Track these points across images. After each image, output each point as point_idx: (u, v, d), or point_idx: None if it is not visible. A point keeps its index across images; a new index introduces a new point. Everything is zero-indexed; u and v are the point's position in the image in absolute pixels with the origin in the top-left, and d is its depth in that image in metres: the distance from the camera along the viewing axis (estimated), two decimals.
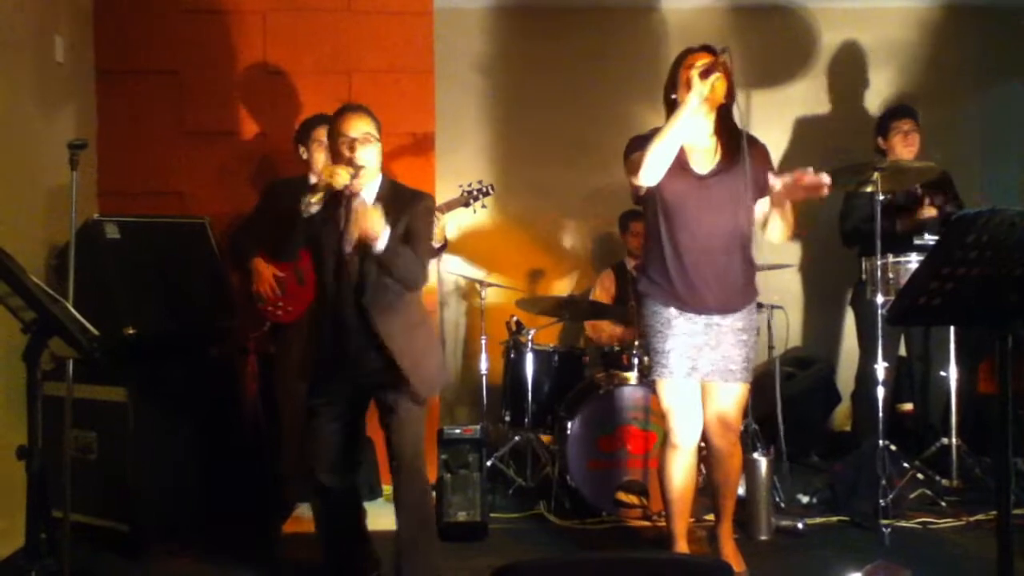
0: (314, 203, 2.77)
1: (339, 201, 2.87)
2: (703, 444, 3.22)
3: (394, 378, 2.84)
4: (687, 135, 2.98)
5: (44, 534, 2.78)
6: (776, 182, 2.93)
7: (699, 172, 3.01)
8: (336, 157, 2.87)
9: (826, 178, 2.86)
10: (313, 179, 2.92)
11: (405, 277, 2.84)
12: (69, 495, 3.10)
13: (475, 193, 4.14)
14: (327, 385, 2.92)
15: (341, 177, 2.76)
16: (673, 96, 3.03)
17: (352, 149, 2.82)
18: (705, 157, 3.04)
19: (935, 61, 5.49)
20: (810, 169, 2.89)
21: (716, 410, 3.13)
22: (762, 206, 3.12)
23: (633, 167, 3.02)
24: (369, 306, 2.82)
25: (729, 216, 3.00)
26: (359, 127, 2.84)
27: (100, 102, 4.35)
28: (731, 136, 3.03)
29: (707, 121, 3.02)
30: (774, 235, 3.09)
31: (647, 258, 3.13)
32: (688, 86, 2.92)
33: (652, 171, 2.94)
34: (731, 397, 3.12)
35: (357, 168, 2.80)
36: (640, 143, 3.04)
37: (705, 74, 2.88)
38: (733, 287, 3.05)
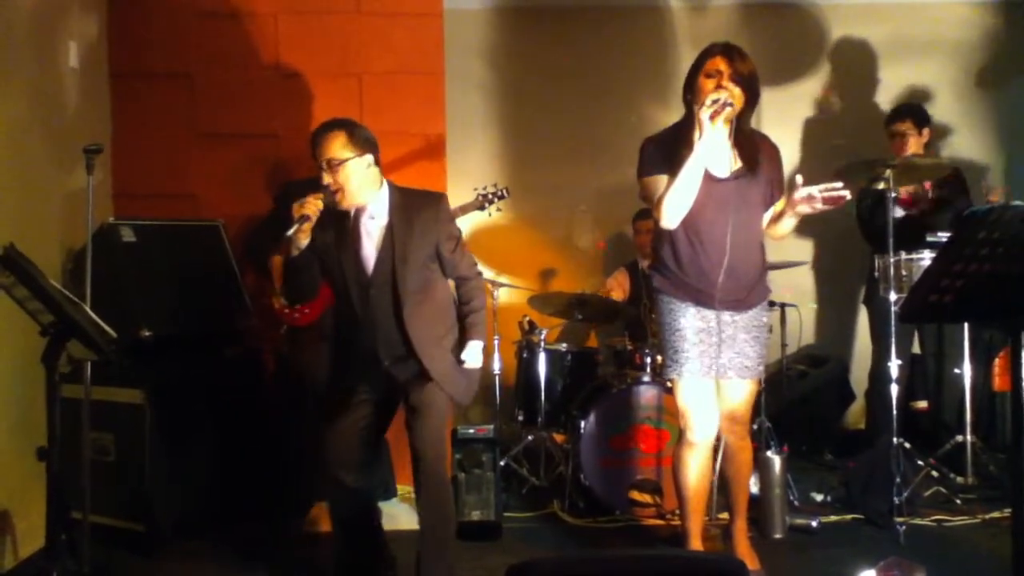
0: (302, 238, 2.81)
1: (349, 223, 2.90)
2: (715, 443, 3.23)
3: (422, 379, 2.89)
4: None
5: (64, 535, 2.82)
6: (804, 191, 2.96)
7: (717, 175, 3.03)
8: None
9: (846, 193, 2.94)
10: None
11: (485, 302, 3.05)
12: (88, 496, 3.13)
13: (490, 197, 4.15)
14: (359, 386, 2.95)
15: (309, 207, 2.78)
16: (689, 97, 3.05)
17: (322, 173, 2.84)
18: (722, 161, 3.04)
19: (948, 56, 5.46)
20: (839, 184, 2.95)
21: (726, 405, 3.16)
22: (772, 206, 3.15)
23: (648, 196, 3.07)
24: (407, 321, 2.85)
25: (745, 218, 3.03)
26: (325, 151, 2.83)
27: (114, 106, 4.39)
28: (746, 142, 3.04)
29: (724, 128, 3.00)
30: (780, 232, 3.14)
31: (662, 256, 3.13)
32: (698, 121, 2.91)
33: (674, 216, 2.99)
34: (742, 392, 3.15)
35: (329, 193, 2.81)
36: (653, 153, 3.07)
37: (714, 116, 2.89)
38: (748, 285, 3.07)
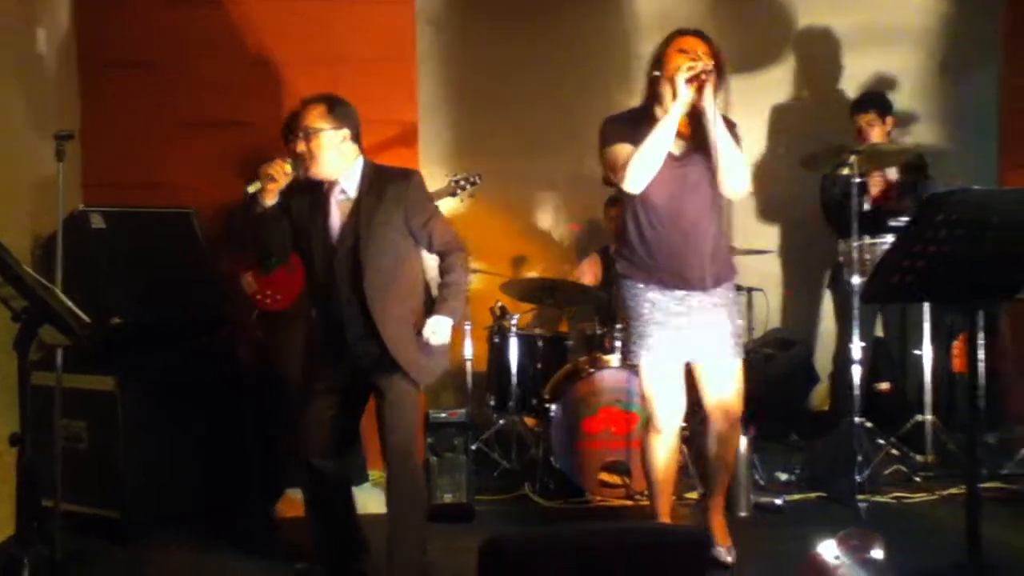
0: (267, 198, 2.84)
1: (320, 195, 2.93)
2: (684, 424, 3.26)
3: (390, 364, 2.88)
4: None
5: (36, 522, 2.82)
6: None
7: (674, 153, 3.01)
8: None
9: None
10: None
11: (466, 278, 3.01)
12: (60, 484, 3.13)
13: (463, 183, 4.18)
14: (326, 371, 2.96)
15: (275, 169, 2.82)
16: (656, 73, 3.01)
17: (298, 141, 2.88)
18: (677, 138, 3.01)
19: (912, 44, 5.55)
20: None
21: (717, 398, 3.11)
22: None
23: (611, 165, 3.03)
24: (368, 294, 2.86)
25: (703, 194, 3.02)
26: (303, 119, 2.89)
27: (84, 93, 4.35)
28: (698, 116, 2.99)
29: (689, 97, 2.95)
30: (734, 184, 2.99)
31: (625, 239, 3.13)
32: (673, 84, 2.89)
33: (639, 179, 2.95)
34: (728, 380, 3.09)
35: (299, 161, 2.85)
36: (615, 127, 3.06)
37: (692, 79, 2.87)
38: (711, 262, 3.04)
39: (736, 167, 2.98)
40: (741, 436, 3.68)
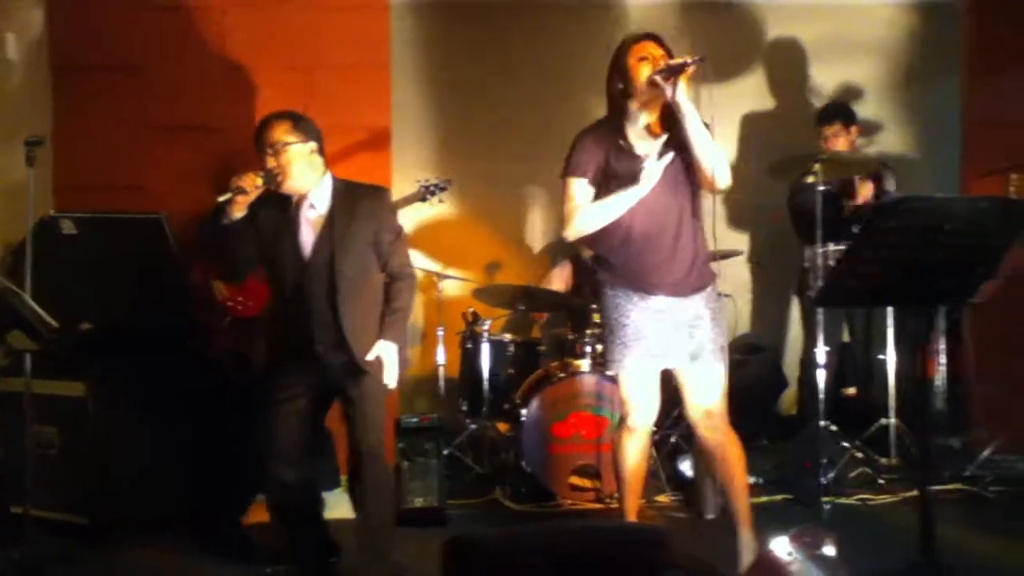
0: (235, 210, 2.86)
1: (289, 210, 2.96)
2: (655, 428, 3.28)
3: (359, 370, 2.93)
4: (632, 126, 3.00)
5: (6, 527, 2.82)
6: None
7: (644, 156, 2.97)
8: None
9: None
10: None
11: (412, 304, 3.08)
12: (31, 488, 3.13)
13: (431, 188, 4.22)
14: (289, 380, 2.98)
15: (246, 181, 2.84)
16: (620, 85, 2.98)
17: (266, 158, 2.91)
18: (647, 141, 2.99)
19: (878, 56, 5.65)
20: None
21: (696, 402, 3.05)
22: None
23: (564, 197, 3.00)
24: (340, 308, 2.90)
25: (676, 196, 2.98)
26: (270, 136, 2.92)
27: (55, 98, 4.35)
28: (666, 118, 2.95)
29: (649, 113, 2.98)
30: (717, 177, 2.90)
31: (602, 247, 3.08)
32: (659, 87, 2.84)
33: (581, 233, 2.97)
34: (708, 384, 3.03)
35: (271, 176, 2.87)
36: (582, 155, 2.99)
37: (669, 78, 2.79)
38: (690, 267, 3.01)
39: (718, 160, 2.93)
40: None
